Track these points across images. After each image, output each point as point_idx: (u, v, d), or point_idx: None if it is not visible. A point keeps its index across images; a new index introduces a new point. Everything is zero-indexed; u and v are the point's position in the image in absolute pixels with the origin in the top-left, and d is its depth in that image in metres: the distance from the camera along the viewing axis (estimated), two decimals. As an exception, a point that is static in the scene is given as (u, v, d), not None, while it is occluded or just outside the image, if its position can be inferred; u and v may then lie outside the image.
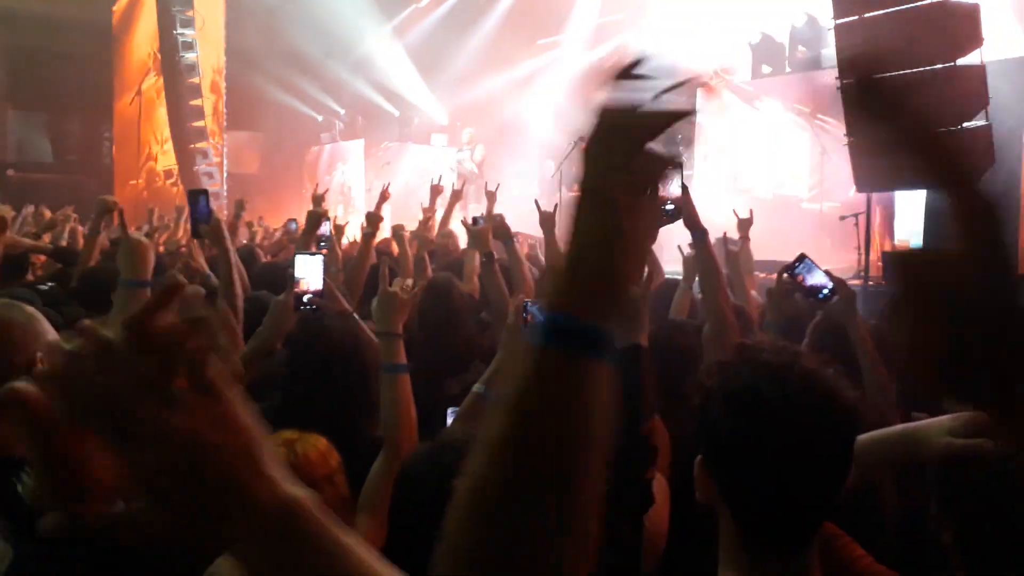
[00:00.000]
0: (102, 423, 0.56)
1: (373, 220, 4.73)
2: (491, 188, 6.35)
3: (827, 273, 2.83)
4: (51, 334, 1.55)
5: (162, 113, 18.83)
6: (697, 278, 3.25)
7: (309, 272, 2.81)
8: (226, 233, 3.02)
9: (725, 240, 4.08)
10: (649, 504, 1.75)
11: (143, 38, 19.28)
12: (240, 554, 0.59)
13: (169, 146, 18.51)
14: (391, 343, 2.23)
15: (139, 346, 0.57)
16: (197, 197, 3.15)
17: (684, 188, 2.78)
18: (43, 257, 5.33)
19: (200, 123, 17.79)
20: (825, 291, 2.78)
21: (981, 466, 1.33)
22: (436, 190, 6.66)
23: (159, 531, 0.58)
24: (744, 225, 4.98)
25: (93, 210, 7.95)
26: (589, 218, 0.70)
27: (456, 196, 6.56)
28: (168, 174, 18.74)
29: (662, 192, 2.62)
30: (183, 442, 0.56)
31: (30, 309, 1.55)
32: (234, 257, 2.95)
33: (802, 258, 2.88)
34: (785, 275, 2.88)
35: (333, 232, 5.18)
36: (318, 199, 4.82)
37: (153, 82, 19.15)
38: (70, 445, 0.69)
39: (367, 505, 1.98)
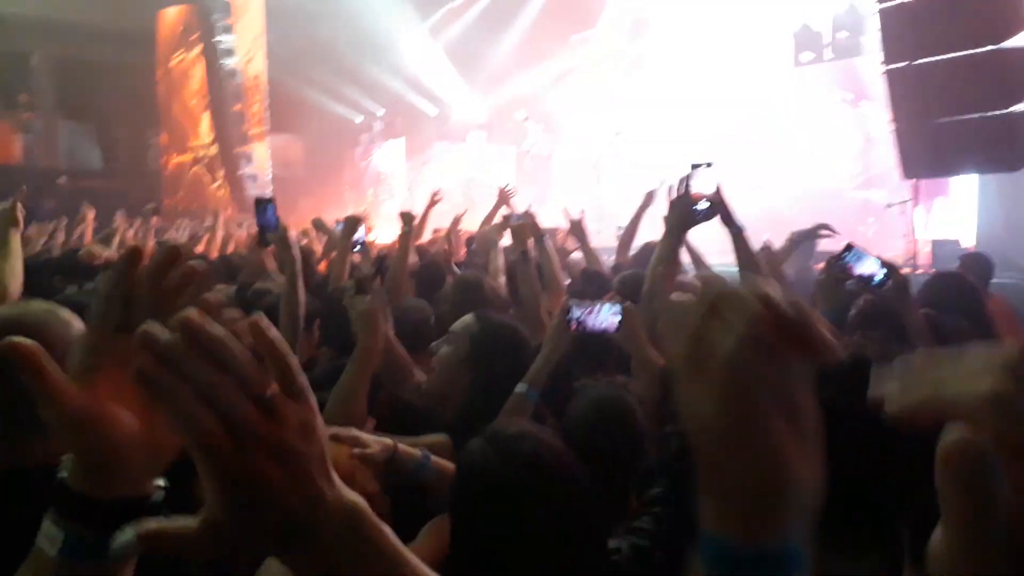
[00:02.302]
0: (197, 425, 0.55)
1: (408, 219, 4.70)
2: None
3: (879, 259, 2.77)
4: None
5: (191, 90, 19.29)
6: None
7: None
8: (293, 242, 3.03)
9: (767, 250, 3.96)
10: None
11: (172, 19, 19.76)
12: (303, 562, 0.59)
13: (215, 149, 18.88)
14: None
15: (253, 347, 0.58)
16: (264, 206, 3.13)
17: (718, 187, 2.77)
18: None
19: (243, 127, 18.10)
20: (878, 277, 2.72)
21: None
22: (506, 195, 6.47)
23: (232, 542, 0.58)
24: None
25: (140, 216, 8.13)
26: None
27: (504, 197, 6.46)
28: (213, 177, 19.11)
29: (696, 191, 2.59)
30: (279, 451, 0.56)
31: (66, 313, 1.53)
32: (299, 266, 2.98)
33: (849, 247, 2.82)
34: (835, 265, 2.83)
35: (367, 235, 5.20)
36: (355, 219, 4.74)
37: (180, 59, 19.61)
38: (89, 414, 0.69)
39: None
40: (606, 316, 2.38)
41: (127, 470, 0.69)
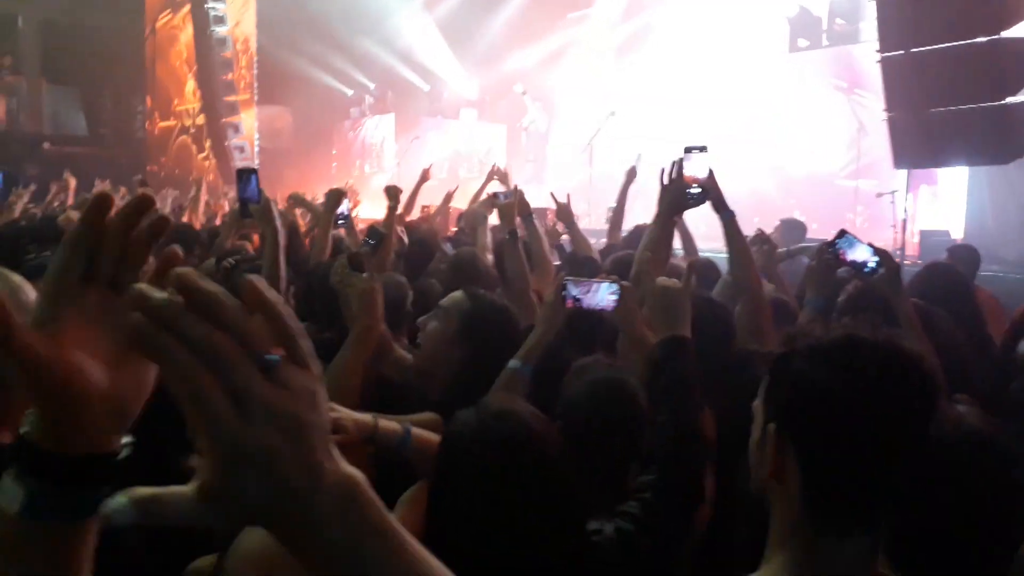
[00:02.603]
0: (197, 389, 0.52)
1: (394, 194, 4.65)
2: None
3: (871, 246, 2.76)
4: None
5: (177, 53, 19.10)
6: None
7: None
8: (275, 214, 2.97)
9: (762, 237, 3.94)
10: (699, 502, 1.71)
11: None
12: (296, 536, 0.57)
13: (202, 119, 18.69)
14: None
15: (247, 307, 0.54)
16: (246, 176, 3.02)
17: (710, 172, 2.75)
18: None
19: (232, 97, 17.89)
20: (870, 265, 2.69)
21: None
22: (501, 173, 6.48)
23: (226, 510, 0.56)
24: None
25: (126, 185, 8.02)
26: None
27: (499, 176, 6.46)
28: (199, 147, 18.95)
29: (688, 175, 2.59)
30: (284, 419, 0.54)
31: (17, 279, 1.47)
32: (282, 240, 2.93)
33: (842, 234, 2.80)
34: (827, 251, 2.80)
35: (353, 209, 5.15)
36: (338, 193, 4.65)
37: (167, 20, 19.39)
38: (55, 366, 0.65)
39: None
40: (604, 295, 2.35)
41: (92, 424, 0.66)
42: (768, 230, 4.59)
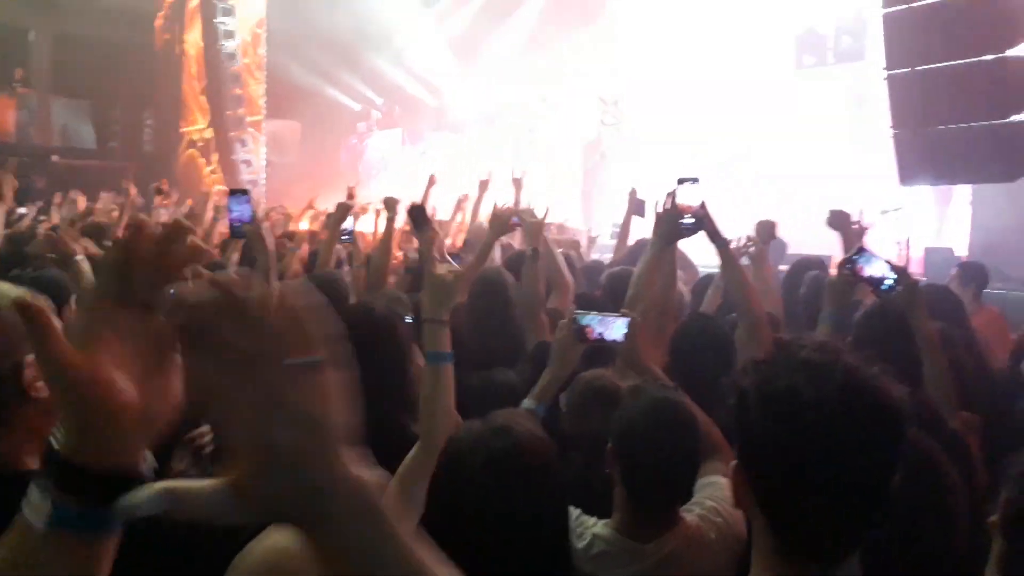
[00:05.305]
0: (229, 389, 0.55)
1: (391, 205, 4.61)
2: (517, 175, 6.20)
3: (889, 263, 2.70)
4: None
5: (188, 71, 19.23)
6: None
7: None
8: (266, 235, 2.99)
9: (746, 246, 3.97)
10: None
11: None
12: (318, 533, 0.60)
13: (210, 132, 18.79)
14: (437, 331, 2.06)
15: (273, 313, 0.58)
16: (238, 196, 3.10)
17: (702, 203, 2.79)
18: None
19: (239, 111, 17.98)
20: (888, 282, 2.65)
21: None
22: (484, 186, 6.52)
23: (249, 507, 0.58)
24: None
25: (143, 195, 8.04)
26: None
27: (484, 186, 6.47)
28: (207, 161, 19.03)
29: (682, 204, 2.67)
30: (305, 419, 0.57)
31: (10, 291, 1.39)
32: (273, 261, 2.95)
33: (861, 250, 2.78)
34: (845, 267, 2.78)
35: (355, 223, 5.12)
36: (345, 207, 4.60)
37: (178, 38, 19.57)
38: (91, 381, 0.67)
39: (394, 495, 1.93)
40: (618, 329, 2.39)
41: (121, 440, 0.68)
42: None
